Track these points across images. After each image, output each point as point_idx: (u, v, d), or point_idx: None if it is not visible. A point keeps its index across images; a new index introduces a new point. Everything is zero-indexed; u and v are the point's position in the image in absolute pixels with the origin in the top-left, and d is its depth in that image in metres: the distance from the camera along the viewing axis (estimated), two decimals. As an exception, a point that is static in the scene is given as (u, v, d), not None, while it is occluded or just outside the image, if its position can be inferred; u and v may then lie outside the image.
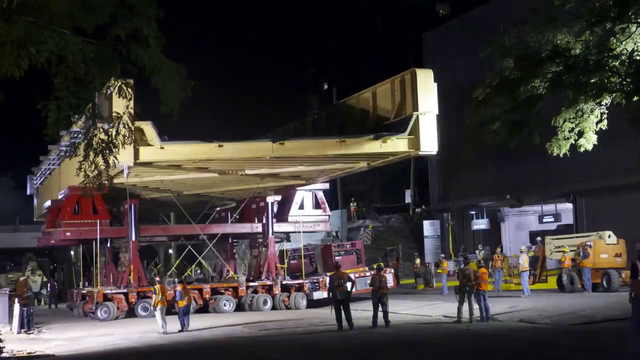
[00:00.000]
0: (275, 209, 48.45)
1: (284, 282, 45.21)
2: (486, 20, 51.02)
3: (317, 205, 48.45)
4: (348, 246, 50.45)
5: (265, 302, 44.27)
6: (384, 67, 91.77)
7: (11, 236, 63.51)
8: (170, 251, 51.75)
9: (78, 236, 45.69)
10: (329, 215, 49.76)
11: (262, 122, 44.02)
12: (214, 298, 44.03)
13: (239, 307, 44.05)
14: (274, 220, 47.67)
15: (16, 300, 37.37)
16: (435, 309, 36.53)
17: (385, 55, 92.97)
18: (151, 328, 34.88)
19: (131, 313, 42.95)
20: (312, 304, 44.05)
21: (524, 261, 40.68)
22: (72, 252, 49.20)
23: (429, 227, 64.17)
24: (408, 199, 79.74)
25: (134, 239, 45.22)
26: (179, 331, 33.10)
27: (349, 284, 30.33)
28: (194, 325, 34.25)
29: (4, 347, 27.55)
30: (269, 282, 45.07)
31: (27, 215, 48.84)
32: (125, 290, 43.59)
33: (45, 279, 58.39)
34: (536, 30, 28.63)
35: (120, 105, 21.68)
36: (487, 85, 30.99)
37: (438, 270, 50.32)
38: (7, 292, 41.73)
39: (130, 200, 44.84)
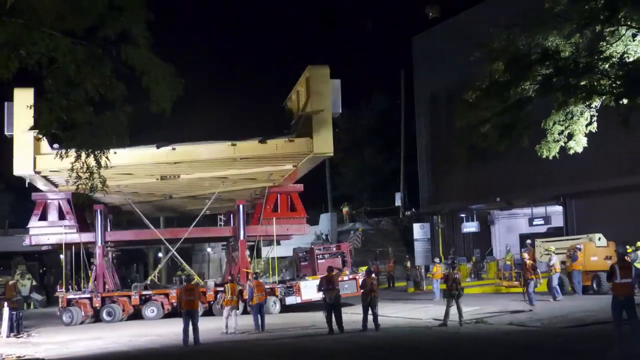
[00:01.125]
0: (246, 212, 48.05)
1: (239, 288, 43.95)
2: (476, 23, 51.02)
3: (292, 207, 47.66)
4: (333, 249, 49.53)
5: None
6: (374, 69, 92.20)
7: (0, 240, 63.30)
8: (160, 254, 51.58)
9: (46, 242, 46.01)
10: (305, 217, 48.76)
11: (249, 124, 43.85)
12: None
13: (208, 312, 43.09)
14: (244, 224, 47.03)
15: (5, 304, 37.20)
16: (425, 312, 36.51)
17: (375, 57, 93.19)
18: (147, 331, 34.86)
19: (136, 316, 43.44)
20: (285, 309, 43.07)
21: (556, 263, 38.85)
22: (62, 256, 49.04)
23: (419, 230, 64.20)
24: (398, 202, 79.92)
25: (100, 244, 45.69)
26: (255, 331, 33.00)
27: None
28: (168, 329, 33.95)
29: (-8, 351, 27.51)
30: (238, 287, 44.01)
31: (16, 219, 48.75)
32: (89, 295, 43.94)
33: (34, 283, 58.23)
34: (526, 33, 28.69)
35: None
36: (477, 88, 31.03)
37: (429, 275, 50.04)
38: (-4, 296, 41.53)
39: (96, 205, 45.19)
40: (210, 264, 69.92)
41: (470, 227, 62.80)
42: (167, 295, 44.37)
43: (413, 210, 77.02)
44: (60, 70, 19.41)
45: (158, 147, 38.17)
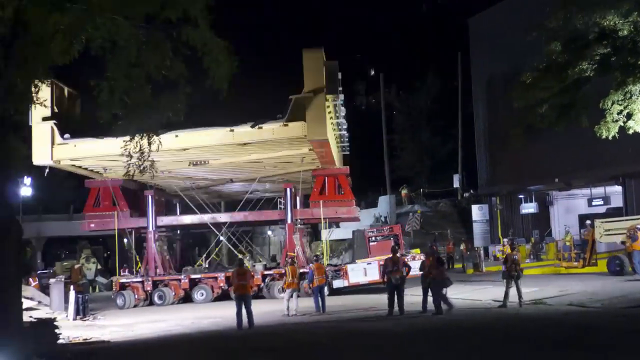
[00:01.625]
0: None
1: (301, 270, 42.61)
2: (532, 4, 50.65)
3: (339, 190, 47.18)
4: (385, 231, 48.81)
5: (283, 289, 43.44)
6: (430, 51, 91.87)
7: (65, 225, 64.36)
8: (221, 238, 51.98)
9: (101, 227, 46.90)
10: (353, 200, 48.11)
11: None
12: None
13: (256, 296, 42.93)
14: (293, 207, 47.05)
15: (71, 287, 37.93)
16: (484, 293, 36.47)
17: (431, 39, 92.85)
18: (204, 314, 35.26)
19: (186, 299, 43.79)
20: (333, 292, 42.65)
21: None
22: (125, 240, 49.86)
23: (477, 212, 64.07)
24: (456, 184, 79.76)
25: (151, 229, 46.57)
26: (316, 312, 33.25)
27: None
28: (226, 312, 34.04)
29: (61, 334, 28.00)
30: (284, 270, 43.78)
31: (81, 204, 49.65)
32: (141, 279, 44.83)
33: (99, 267, 59.14)
34: (583, 13, 28.49)
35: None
36: (535, 68, 30.93)
37: (498, 255, 49.26)
38: (63, 279, 42.26)
39: (146, 191, 45.86)
40: (270, 246, 70.33)
41: (528, 208, 62.49)
42: (216, 278, 44.89)
43: (471, 191, 76.80)
44: (122, 53, 19.71)
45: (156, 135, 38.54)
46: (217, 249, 52.47)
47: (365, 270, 41.41)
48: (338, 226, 53.56)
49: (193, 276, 45.26)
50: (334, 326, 28.40)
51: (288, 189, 46.81)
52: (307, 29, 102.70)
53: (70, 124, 40.47)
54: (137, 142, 21.78)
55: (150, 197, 46.99)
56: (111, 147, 38.37)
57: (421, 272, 30.83)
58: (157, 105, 21.59)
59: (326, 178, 46.87)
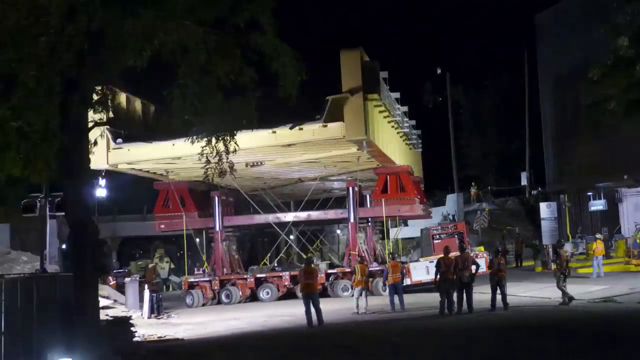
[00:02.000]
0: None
1: (370, 269, 42.47)
2: (599, -1, 50.30)
3: (401, 188, 46.59)
4: (449, 229, 48.64)
5: (345, 289, 43.55)
6: (497, 49, 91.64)
7: (139, 225, 65.48)
8: (291, 237, 52.42)
9: (170, 228, 47.83)
10: (416, 198, 47.71)
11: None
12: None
13: (321, 294, 43.58)
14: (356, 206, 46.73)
15: (146, 286, 38.63)
16: (553, 291, 36.33)
17: (498, 37, 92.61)
18: (275, 312, 35.70)
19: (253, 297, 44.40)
20: None
21: None
22: (197, 240, 50.59)
23: (545, 209, 63.46)
24: (524, 182, 79.37)
25: (218, 229, 47.12)
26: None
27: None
28: (296, 310, 34.39)
29: (136, 332, 28.62)
30: (347, 269, 43.95)
31: (154, 205, 50.67)
32: (208, 279, 45.53)
33: (172, 266, 60.04)
34: (651, 8, 28.37)
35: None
36: (602, 64, 30.80)
37: (589, 252, 48.47)
38: (137, 278, 43.05)
39: (213, 192, 46.51)
40: (340, 245, 70.50)
41: (597, 205, 61.90)
42: (280, 277, 45.23)
43: (539, 189, 76.36)
44: (193, 59, 20.16)
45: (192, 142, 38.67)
46: (285, 248, 52.74)
47: (427, 269, 41.22)
48: (406, 224, 53.60)
49: (259, 275, 45.65)
50: (405, 324, 28.66)
51: (350, 188, 46.66)
52: (371, 28, 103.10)
53: (125, 128, 40.85)
54: (213, 146, 22.19)
55: (216, 198, 47.48)
56: (162, 150, 39.61)
57: (490, 271, 30.97)
58: (227, 111, 22.02)
59: (388, 176, 46.62)
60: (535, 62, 72.02)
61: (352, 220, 46.18)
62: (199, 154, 22.60)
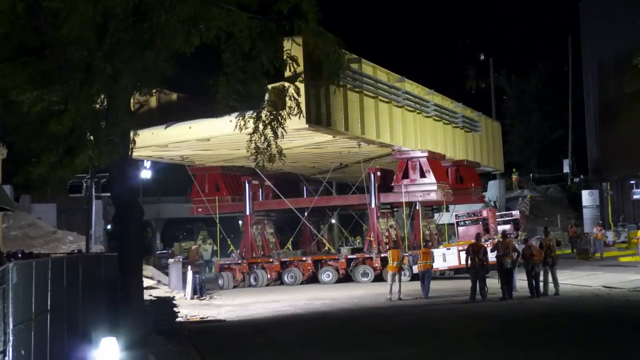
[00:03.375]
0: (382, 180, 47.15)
1: (382, 255, 42.93)
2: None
3: (422, 174, 45.59)
4: (475, 215, 48.14)
5: (365, 274, 43.69)
6: (541, 35, 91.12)
7: (183, 207, 66.09)
8: (333, 221, 52.55)
9: (206, 212, 48.11)
10: (436, 184, 45.97)
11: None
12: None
13: (343, 279, 44.28)
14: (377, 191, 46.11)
15: (189, 267, 39.05)
16: (594, 279, 36.28)
17: (541, 23, 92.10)
18: (316, 295, 35.93)
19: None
20: (414, 277, 40.96)
21: None
22: (240, 222, 51.00)
23: (587, 197, 63.38)
24: (566, 169, 79.06)
25: (248, 213, 47.49)
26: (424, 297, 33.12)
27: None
28: (342, 293, 34.93)
29: (179, 312, 29.01)
30: (367, 255, 44.18)
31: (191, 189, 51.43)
32: (238, 262, 46.13)
33: (215, 248, 60.48)
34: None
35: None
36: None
37: (634, 240, 48.07)
38: (181, 260, 43.52)
39: (243, 177, 47.06)
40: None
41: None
42: (303, 262, 45.56)
43: (581, 176, 76.08)
44: (237, 45, 20.37)
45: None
46: (320, 233, 52.46)
47: (444, 256, 41.21)
48: (447, 210, 53.42)
49: (284, 259, 46.09)
50: (447, 309, 28.85)
51: (372, 173, 46.15)
52: (415, 14, 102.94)
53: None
54: (261, 132, 22.37)
55: (247, 182, 47.64)
56: (174, 134, 39.26)
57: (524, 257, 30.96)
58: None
59: (408, 162, 45.83)
60: (579, 48, 71.65)
61: (372, 205, 45.70)
62: (247, 141, 22.75)
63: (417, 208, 46.92)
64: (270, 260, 46.18)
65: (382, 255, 42.75)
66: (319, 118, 36.32)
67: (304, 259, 45.83)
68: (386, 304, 31.94)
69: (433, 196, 45.70)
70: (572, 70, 79.29)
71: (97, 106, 19.57)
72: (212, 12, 19.05)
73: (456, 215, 48.38)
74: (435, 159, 46.96)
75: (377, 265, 43.33)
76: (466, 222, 46.77)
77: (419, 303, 31.53)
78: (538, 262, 30.27)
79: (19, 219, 48.84)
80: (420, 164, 45.58)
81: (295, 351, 21.59)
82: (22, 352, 14.23)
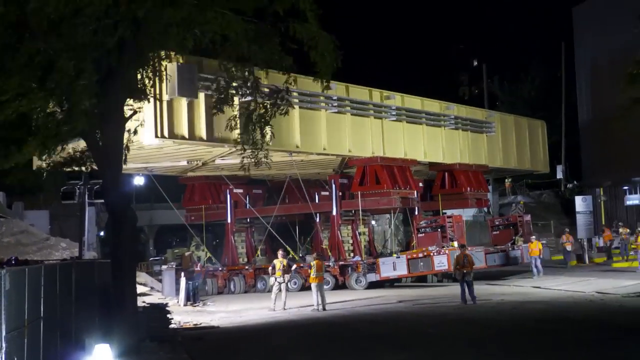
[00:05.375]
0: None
1: (341, 263, 43.48)
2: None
3: (376, 180, 44.06)
4: (433, 222, 46.32)
5: (325, 282, 43.23)
6: (534, 41, 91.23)
7: (176, 213, 66.02)
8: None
9: (198, 220, 49.49)
10: (391, 190, 44.03)
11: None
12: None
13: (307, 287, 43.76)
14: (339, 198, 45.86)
15: (182, 274, 38.95)
16: (587, 285, 36.29)
17: (534, 29, 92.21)
18: (310, 301, 35.92)
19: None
20: (370, 285, 42.33)
21: None
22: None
23: (581, 203, 63.27)
24: (559, 175, 79.04)
25: (229, 221, 48.36)
26: None
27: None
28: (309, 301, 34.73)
29: (172, 319, 28.93)
30: (302, 264, 43.76)
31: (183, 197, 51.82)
32: (220, 268, 46.97)
33: (208, 254, 60.44)
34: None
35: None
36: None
37: (632, 245, 47.79)
38: (174, 266, 43.46)
39: (225, 186, 47.95)
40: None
41: (633, 199, 61.66)
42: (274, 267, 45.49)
43: (575, 182, 76.13)
44: (232, 48, 20.33)
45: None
46: (308, 239, 52.21)
47: (394, 265, 41.05)
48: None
49: (257, 267, 46.25)
50: (434, 314, 28.88)
51: (333, 180, 46.13)
52: (410, 19, 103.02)
53: None
54: (250, 134, 22.35)
55: (228, 191, 48.21)
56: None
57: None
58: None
59: (366, 168, 44.60)
60: (573, 54, 71.75)
61: (334, 213, 45.52)
62: (235, 140, 22.76)
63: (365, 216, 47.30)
64: (246, 267, 46.62)
65: (341, 263, 43.39)
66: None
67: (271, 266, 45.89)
68: (379, 309, 31.96)
69: (387, 203, 44.45)
70: (565, 76, 79.35)
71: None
72: (206, 16, 19.01)
73: (416, 223, 46.80)
74: (398, 165, 45.53)
75: (336, 273, 43.24)
76: (426, 229, 45.34)
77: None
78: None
79: (12, 225, 48.69)
80: (376, 171, 44.39)
81: (289, 357, 21.58)
82: (15, 359, 14.14)
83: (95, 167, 21.85)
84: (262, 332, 27.25)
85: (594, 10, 65.74)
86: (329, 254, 44.68)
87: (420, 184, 46.72)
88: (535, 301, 30.77)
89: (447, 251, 39.63)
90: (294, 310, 33.29)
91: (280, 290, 33.62)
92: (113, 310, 21.12)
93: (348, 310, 32.23)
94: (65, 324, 18.99)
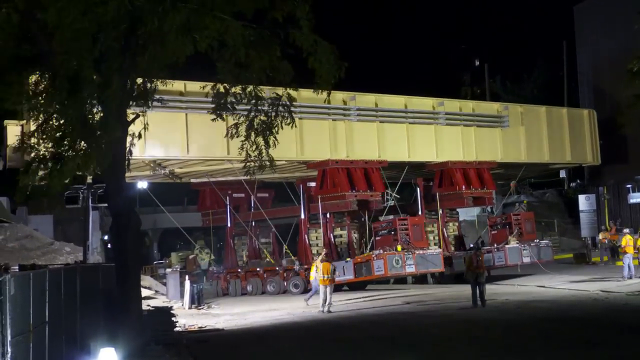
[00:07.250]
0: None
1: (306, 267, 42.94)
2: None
3: (334, 183, 43.34)
4: (387, 225, 44.42)
5: (296, 286, 44.18)
6: (536, 40, 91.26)
7: (180, 216, 65.95)
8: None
9: (207, 224, 52.61)
10: (345, 194, 43.15)
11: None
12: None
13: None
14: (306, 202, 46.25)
15: (186, 277, 39.02)
16: (592, 283, 36.29)
17: (536, 28, 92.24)
18: (316, 302, 35.95)
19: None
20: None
21: None
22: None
23: (584, 202, 63.16)
24: (563, 174, 78.98)
25: (229, 225, 50.24)
26: None
27: None
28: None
29: (177, 322, 28.99)
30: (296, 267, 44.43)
31: (195, 196, 52.05)
32: (222, 271, 48.42)
33: (213, 257, 60.55)
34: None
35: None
36: (641, 57, 30.72)
37: (619, 249, 47.45)
38: (178, 269, 43.57)
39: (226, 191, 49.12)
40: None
41: (636, 198, 61.46)
42: (257, 272, 46.55)
43: (578, 181, 76.03)
44: (231, 53, 20.31)
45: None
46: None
47: (344, 269, 40.71)
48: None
49: (248, 270, 46.93)
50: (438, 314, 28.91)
51: (301, 185, 46.60)
52: (409, 20, 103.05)
53: None
54: (253, 141, 22.36)
55: (227, 196, 49.38)
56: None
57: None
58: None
59: (324, 171, 43.65)
60: (574, 53, 71.71)
61: (302, 216, 45.95)
62: (239, 148, 22.74)
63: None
64: (239, 270, 47.46)
65: (306, 267, 42.94)
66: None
67: (257, 269, 46.69)
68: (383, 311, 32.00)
69: (344, 206, 43.58)
70: (567, 75, 79.29)
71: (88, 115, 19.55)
72: (205, 21, 19.01)
73: (373, 226, 45.40)
74: (360, 167, 44.16)
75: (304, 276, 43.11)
76: (382, 232, 43.78)
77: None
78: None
79: (16, 230, 48.77)
80: (327, 174, 43.72)
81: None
82: (21, 363, 14.20)
83: (98, 171, 21.81)
84: (268, 334, 27.24)
85: (595, 9, 65.62)
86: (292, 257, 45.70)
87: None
88: (540, 300, 30.79)
89: (384, 256, 39.90)
90: (299, 312, 33.33)
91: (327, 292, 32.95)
92: (118, 314, 21.16)
93: (353, 312, 32.24)
94: (70, 328, 19.04)
